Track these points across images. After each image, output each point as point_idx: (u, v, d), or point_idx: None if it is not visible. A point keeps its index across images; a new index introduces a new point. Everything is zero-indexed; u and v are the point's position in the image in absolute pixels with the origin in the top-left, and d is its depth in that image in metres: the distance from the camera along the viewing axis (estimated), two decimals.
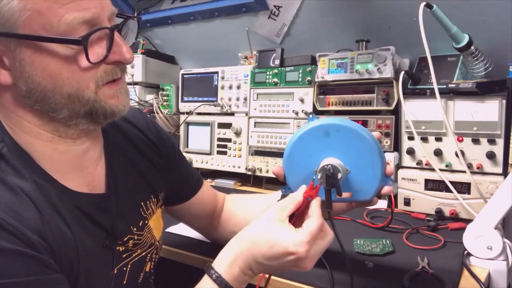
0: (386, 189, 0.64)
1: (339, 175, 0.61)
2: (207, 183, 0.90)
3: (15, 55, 0.51)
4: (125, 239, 0.65)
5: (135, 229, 0.67)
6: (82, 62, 0.52)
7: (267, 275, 0.68)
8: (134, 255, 0.67)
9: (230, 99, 1.56)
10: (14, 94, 0.54)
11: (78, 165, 0.61)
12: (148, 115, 0.86)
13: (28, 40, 0.50)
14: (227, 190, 1.00)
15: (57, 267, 0.51)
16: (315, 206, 0.58)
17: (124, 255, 0.65)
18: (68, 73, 0.52)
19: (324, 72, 1.30)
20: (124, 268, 0.65)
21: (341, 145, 0.62)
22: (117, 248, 0.63)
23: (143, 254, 0.69)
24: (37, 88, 0.53)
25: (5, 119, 0.57)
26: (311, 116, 0.65)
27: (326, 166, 0.61)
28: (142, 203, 0.70)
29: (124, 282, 0.65)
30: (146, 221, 0.70)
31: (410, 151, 1.17)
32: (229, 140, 1.56)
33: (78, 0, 0.50)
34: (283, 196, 0.77)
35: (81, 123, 0.57)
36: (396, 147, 1.20)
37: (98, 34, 0.53)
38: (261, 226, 0.59)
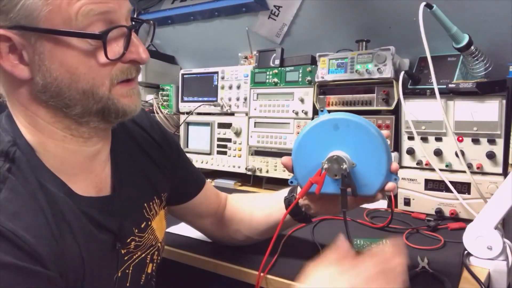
0: (390, 185, 0.65)
1: (344, 166, 0.62)
2: (210, 182, 0.90)
3: (35, 48, 0.52)
4: (128, 240, 0.65)
5: (136, 230, 0.67)
6: (100, 58, 0.53)
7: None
8: (134, 257, 0.67)
9: (230, 99, 1.56)
10: (30, 89, 0.54)
11: (87, 167, 0.60)
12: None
13: (49, 34, 0.51)
14: (227, 190, 1.00)
15: (62, 283, 0.51)
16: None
17: (125, 258, 0.65)
18: (85, 69, 0.53)
19: (324, 72, 1.30)
20: (127, 271, 0.65)
21: (349, 139, 0.64)
22: (120, 250, 0.63)
23: (143, 255, 0.69)
24: (53, 82, 0.53)
25: (20, 117, 0.57)
26: (322, 110, 0.67)
27: (332, 157, 0.63)
28: (145, 204, 0.70)
29: (127, 284, 0.65)
30: (149, 223, 0.70)
31: (410, 151, 1.17)
32: (229, 140, 1.56)
33: None
34: (291, 192, 0.79)
35: (92, 121, 0.57)
36: (396, 147, 1.20)
37: (116, 32, 0.54)
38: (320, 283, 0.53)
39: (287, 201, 0.78)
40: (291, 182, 0.70)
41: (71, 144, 0.57)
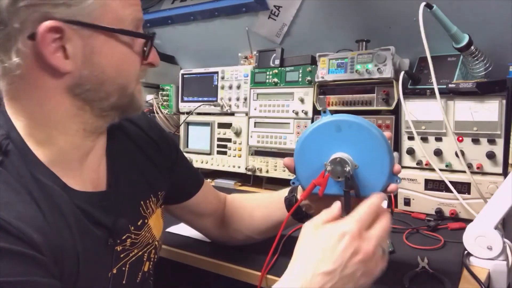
0: (392, 186, 0.65)
1: (347, 168, 0.62)
2: (208, 182, 0.90)
3: (86, 43, 0.53)
4: (124, 237, 0.65)
5: (132, 228, 0.67)
6: (138, 58, 0.60)
7: None
8: (131, 254, 0.67)
9: (230, 99, 1.56)
10: (64, 82, 0.54)
11: (83, 162, 0.61)
12: (149, 115, 0.87)
13: (102, 31, 0.54)
14: (227, 190, 1.01)
15: (56, 271, 0.51)
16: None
17: (122, 255, 0.65)
18: (127, 65, 0.59)
19: (324, 72, 1.30)
20: (123, 268, 0.65)
21: (352, 140, 0.64)
22: (116, 247, 0.63)
23: (140, 253, 0.69)
24: (99, 75, 0.56)
25: (20, 112, 0.56)
26: (324, 111, 0.67)
27: (336, 159, 0.63)
28: (142, 202, 0.70)
29: (123, 282, 0.65)
30: (146, 220, 0.70)
31: (410, 151, 1.17)
32: (229, 140, 1.56)
33: (136, 0, 0.59)
34: (291, 191, 0.79)
35: (111, 115, 0.61)
36: (396, 147, 1.20)
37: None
38: (303, 240, 0.55)
39: (288, 201, 0.78)
40: (293, 183, 0.70)
41: (79, 139, 0.59)
